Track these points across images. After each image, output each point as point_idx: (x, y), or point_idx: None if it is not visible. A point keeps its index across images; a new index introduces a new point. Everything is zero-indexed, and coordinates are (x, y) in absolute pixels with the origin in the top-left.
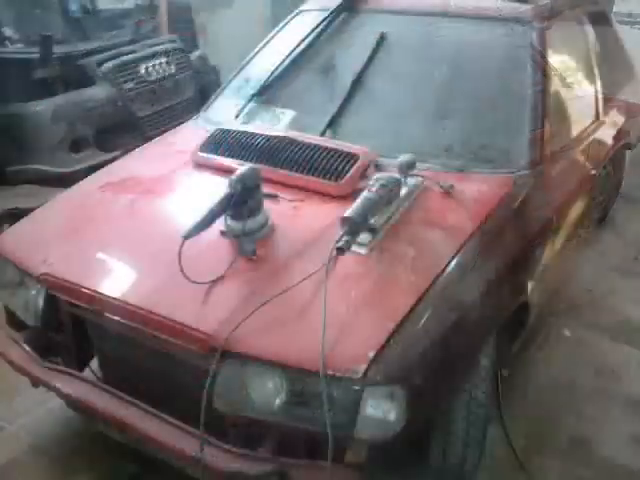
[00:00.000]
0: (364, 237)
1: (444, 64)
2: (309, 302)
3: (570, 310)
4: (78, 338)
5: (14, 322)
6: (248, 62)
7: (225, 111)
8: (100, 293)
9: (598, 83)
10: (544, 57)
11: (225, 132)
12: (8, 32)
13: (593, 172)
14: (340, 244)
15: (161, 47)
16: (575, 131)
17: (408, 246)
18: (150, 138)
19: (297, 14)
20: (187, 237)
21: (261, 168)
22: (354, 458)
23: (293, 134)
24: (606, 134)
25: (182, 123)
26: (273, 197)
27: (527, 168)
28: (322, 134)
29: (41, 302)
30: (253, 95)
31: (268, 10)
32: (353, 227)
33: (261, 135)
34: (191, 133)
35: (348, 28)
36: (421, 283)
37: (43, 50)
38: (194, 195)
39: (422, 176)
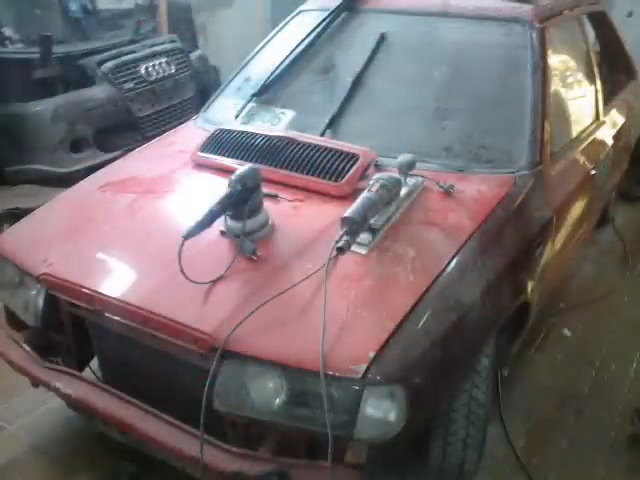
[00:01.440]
0: (364, 237)
1: (444, 64)
2: (309, 302)
3: (570, 310)
4: (78, 338)
5: (14, 322)
6: (248, 62)
7: (225, 111)
8: (100, 293)
9: (598, 83)
10: (544, 57)
11: (225, 132)
12: (8, 32)
13: (593, 172)
14: (340, 244)
15: (161, 47)
16: (575, 131)
17: (408, 246)
18: (150, 138)
19: (297, 14)
20: (187, 237)
21: (261, 168)
22: (354, 458)
23: (293, 134)
24: (606, 134)
25: (182, 123)
26: (273, 197)
27: (527, 168)
28: (322, 134)
29: (41, 302)
30: (253, 95)
31: (268, 10)
32: (353, 227)
33: (261, 135)
34: (191, 133)
35: (348, 28)
36: (421, 283)
37: (43, 50)
38: (194, 195)
39: (422, 176)
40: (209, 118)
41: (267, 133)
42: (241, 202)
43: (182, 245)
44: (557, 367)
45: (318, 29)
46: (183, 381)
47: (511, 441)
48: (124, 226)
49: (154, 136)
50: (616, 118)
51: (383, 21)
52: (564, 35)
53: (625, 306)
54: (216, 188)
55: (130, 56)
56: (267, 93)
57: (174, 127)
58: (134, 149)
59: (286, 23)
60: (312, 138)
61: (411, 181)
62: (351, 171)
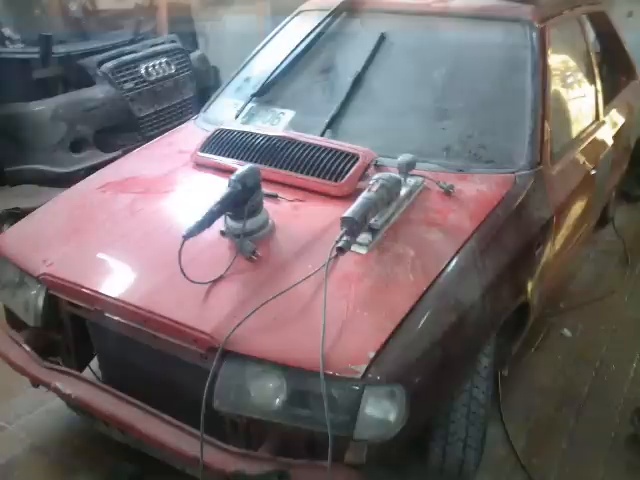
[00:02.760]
0: (364, 237)
1: (444, 64)
2: (309, 302)
3: (570, 310)
4: (78, 338)
5: (14, 322)
6: (248, 62)
7: (225, 111)
8: (100, 293)
9: (598, 83)
10: (544, 57)
11: (225, 132)
12: (8, 32)
13: (593, 172)
14: (340, 244)
15: (161, 47)
16: (575, 131)
17: (408, 246)
18: (150, 138)
19: (297, 14)
20: (187, 237)
21: (261, 168)
22: (354, 458)
23: (293, 134)
24: (606, 134)
25: (182, 123)
26: (273, 197)
27: (527, 168)
28: (322, 134)
29: (41, 302)
30: (253, 95)
31: (268, 10)
32: (353, 227)
33: (261, 135)
34: (191, 133)
35: (348, 28)
36: (421, 283)
37: (43, 50)
38: (194, 195)
39: (422, 176)
40: (209, 118)
41: (267, 133)
42: (241, 202)
43: (182, 245)
44: (557, 367)
45: (318, 29)
46: (183, 381)
47: (511, 441)
48: (124, 226)
49: (154, 136)
50: (616, 118)
51: (383, 21)
52: (564, 35)
53: (625, 306)
54: (216, 188)
55: (130, 56)
56: (267, 93)
57: (174, 127)
58: (134, 149)
59: (286, 23)
60: (312, 138)
61: (411, 181)
62: (351, 171)
